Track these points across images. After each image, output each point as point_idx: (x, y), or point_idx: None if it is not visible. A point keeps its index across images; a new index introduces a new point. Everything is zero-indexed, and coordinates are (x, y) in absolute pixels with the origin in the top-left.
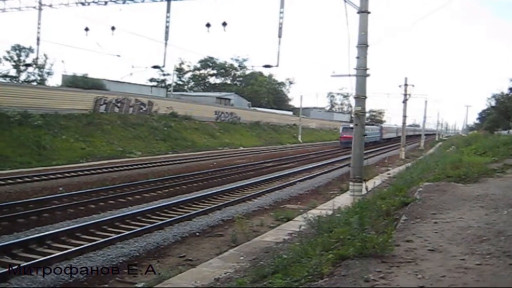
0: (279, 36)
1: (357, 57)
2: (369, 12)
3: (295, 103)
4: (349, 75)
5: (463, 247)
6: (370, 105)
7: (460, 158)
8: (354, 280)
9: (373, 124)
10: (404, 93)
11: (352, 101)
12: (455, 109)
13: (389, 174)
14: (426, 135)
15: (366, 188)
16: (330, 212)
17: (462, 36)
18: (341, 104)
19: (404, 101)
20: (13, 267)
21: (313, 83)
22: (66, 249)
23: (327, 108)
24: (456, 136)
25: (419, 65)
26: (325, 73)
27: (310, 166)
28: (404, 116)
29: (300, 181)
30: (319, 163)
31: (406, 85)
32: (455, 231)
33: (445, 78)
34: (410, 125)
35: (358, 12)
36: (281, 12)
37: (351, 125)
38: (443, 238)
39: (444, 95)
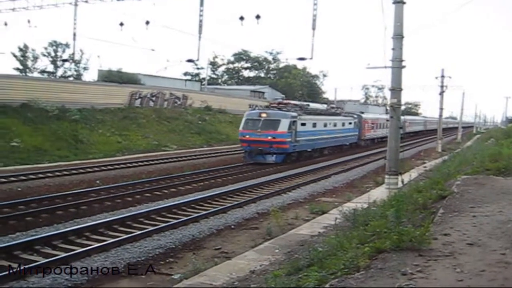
0: (313, 28)
1: (393, 49)
2: (404, 3)
3: (329, 95)
4: (385, 67)
5: (503, 241)
6: (406, 97)
7: (499, 151)
8: (391, 273)
9: (336, 112)
10: (440, 85)
11: (387, 93)
12: (493, 101)
13: (425, 167)
14: (463, 127)
15: (402, 181)
16: (365, 205)
17: (501, 25)
18: (376, 96)
19: (441, 93)
20: (54, 258)
21: (347, 76)
22: (104, 240)
23: (362, 101)
24: (495, 128)
25: (456, 56)
26: (360, 65)
27: (344, 159)
28: (441, 109)
29: (334, 174)
30: (353, 156)
31: (442, 76)
32: (495, 225)
33: (483, 69)
34: (445, 118)
35: (394, 3)
36: (315, 4)
37: (264, 114)
38: (482, 232)
39: (482, 86)
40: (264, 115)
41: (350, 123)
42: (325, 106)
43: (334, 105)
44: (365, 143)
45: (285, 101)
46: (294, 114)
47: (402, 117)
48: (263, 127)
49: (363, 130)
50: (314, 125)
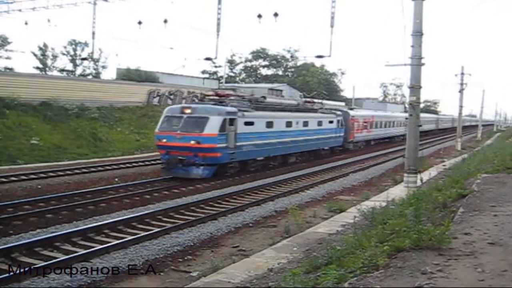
0: (331, 26)
1: (412, 46)
2: None
3: (347, 94)
4: (404, 65)
5: None
6: (425, 95)
7: None
8: (410, 272)
9: (311, 108)
10: (460, 83)
11: (405, 91)
12: None
13: (444, 165)
14: (483, 125)
15: (421, 180)
16: (384, 204)
17: None
18: (394, 94)
19: (460, 91)
20: (74, 255)
21: (366, 74)
22: (123, 238)
23: (380, 99)
24: None
25: (477, 54)
26: (378, 63)
27: (363, 157)
28: (461, 106)
29: (352, 172)
30: (370, 155)
31: (462, 74)
32: None
33: (504, 67)
34: (464, 116)
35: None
36: (333, 1)
37: (187, 109)
38: (503, 231)
39: (503, 84)
40: (187, 111)
41: (330, 122)
42: (299, 99)
43: (309, 99)
44: (354, 146)
45: (226, 92)
46: (232, 109)
47: (407, 115)
48: (184, 128)
49: (352, 130)
50: (270, 124)
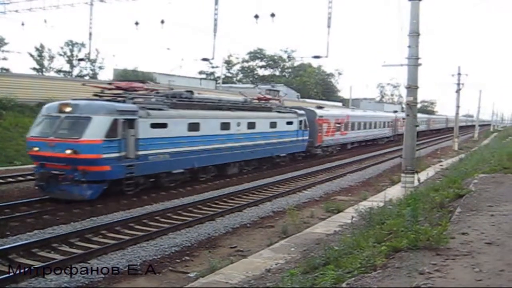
0: (328, 27)
1: (409, 46)
2: None
3: (344, 94)
4: (401, 65)
5: None
6: (422, 95)
7: None
8: (408, 272)
9: (261, 106)
10: (457, 83)
11: (403, 91)
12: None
13: (441, 165)
14: (480, 125)
15: (418, 180)
16: (381, 204)
17: None
18: (391, 94)
19: (457, 91)
20: (71, 256)
21: (363, 74)
22: (121, 239)
23: (377, 99)
24: None
25: (474, 54)
26: (375, 63)
27: (360, 157)
28: (457, 106)
29: (350, 172)
30: (370, 154)
31: (459, 74)
32: None
33: (501, 67)
34: (464, 115)
35: (410, 0)
36: (330, 2)
37: (67, 107)
38: (501, 231)
39: (500, 84)
40: (67, 109)
41: (289, 123)
42: (247, 96)
43: (262, 95)
44: (324, 151)
45: (133, 84)
46: (130, 107)
47: (394, 115)
48: (59, 133)
49: (320, 132)
50: (194, 127)
